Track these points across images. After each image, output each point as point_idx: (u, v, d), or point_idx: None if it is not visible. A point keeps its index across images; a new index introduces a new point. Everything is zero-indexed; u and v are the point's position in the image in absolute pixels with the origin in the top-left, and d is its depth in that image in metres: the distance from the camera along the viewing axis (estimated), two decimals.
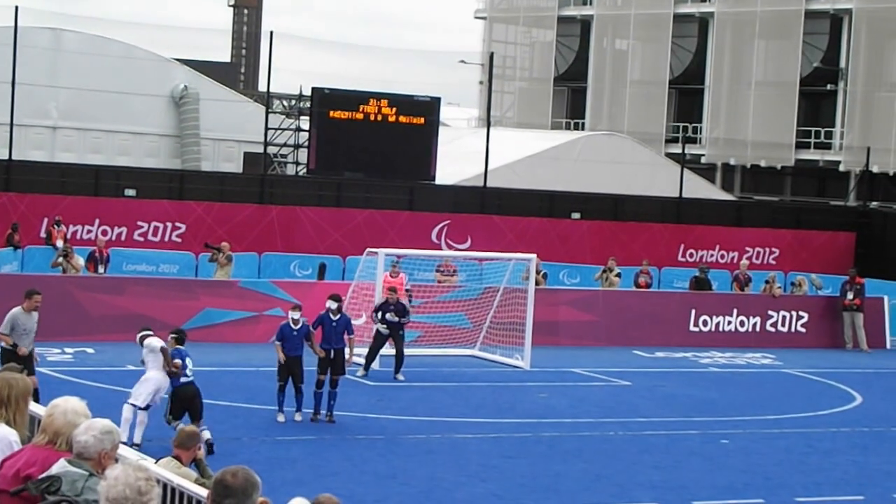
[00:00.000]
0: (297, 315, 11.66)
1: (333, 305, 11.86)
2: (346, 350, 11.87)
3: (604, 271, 18.99)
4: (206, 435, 10.13)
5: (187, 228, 19.12)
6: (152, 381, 10.23)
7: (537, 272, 16.81)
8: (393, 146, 21.03)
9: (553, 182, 23.61)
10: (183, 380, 10.23)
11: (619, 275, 19.05)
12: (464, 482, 9.57)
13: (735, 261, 22.36)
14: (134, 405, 10.15)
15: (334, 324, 11.79)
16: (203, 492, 4.50)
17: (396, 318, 13.96)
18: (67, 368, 13.19)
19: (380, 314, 14.03)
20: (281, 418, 11.47)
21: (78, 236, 18.21)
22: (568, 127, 36.20)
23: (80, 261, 16.12)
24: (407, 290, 15.49)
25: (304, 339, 11.54)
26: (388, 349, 14.31)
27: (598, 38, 36.15)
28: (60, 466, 3.76)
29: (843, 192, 30.62)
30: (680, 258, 22.59)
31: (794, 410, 13.68)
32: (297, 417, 11.51)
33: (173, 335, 10.53)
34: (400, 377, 14.09)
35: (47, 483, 3.69)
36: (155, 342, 10.35)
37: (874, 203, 27.28)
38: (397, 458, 10.21)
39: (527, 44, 38.04)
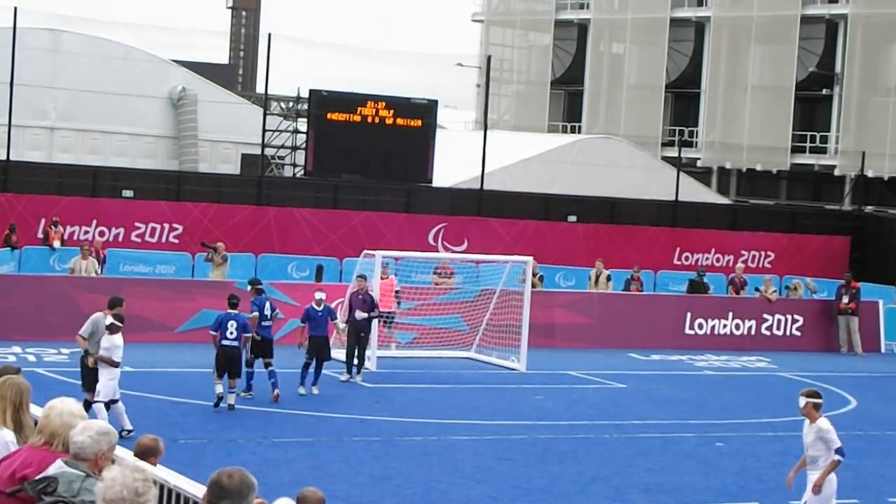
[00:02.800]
0: (321, 296, 12.79)
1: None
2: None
3: (596, 277, 19.08)
4: (231, 399, 11.55)
5: (184, 229, 19.16)
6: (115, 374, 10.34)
7: (533, 274, 16.85)
8: (390, 148, 21.09)
9: (549, 185, 23.69)
10: (225, 342, 11.65)
11: (609, 278, 19.15)
12: (459, 484, 9.61)
13: (731, 264, 22.46)
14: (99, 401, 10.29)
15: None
16: (200, 492, 4.51)
17: (366, 315, 13.78)
18: (64, 369, 13.17)
19: (349, 309, 13.90)
20: (302, 391, 12.63)
21: (75, 237, 18.26)
22: (564, 130, 36.30)
23: (94, 263, 16.04)
24: (397, 293, 15.42)
25: (328, 320, 12.77)
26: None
27: (594, 42, 36.27)
28: (57, 467, 3.76)
29: (839, 197, 30.73)
30: (676, 261, 22.68)
31: (789, 414, 13.64)
32: (315, 390, 12.70)
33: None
34: (359, 378, 13.79)
35: (44, 484, 3.69)
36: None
37: (869, 207, 27.39)
38: (393, 459, 10.24)
39: (524, 47, 38.15)
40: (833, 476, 8.11)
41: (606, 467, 10.38)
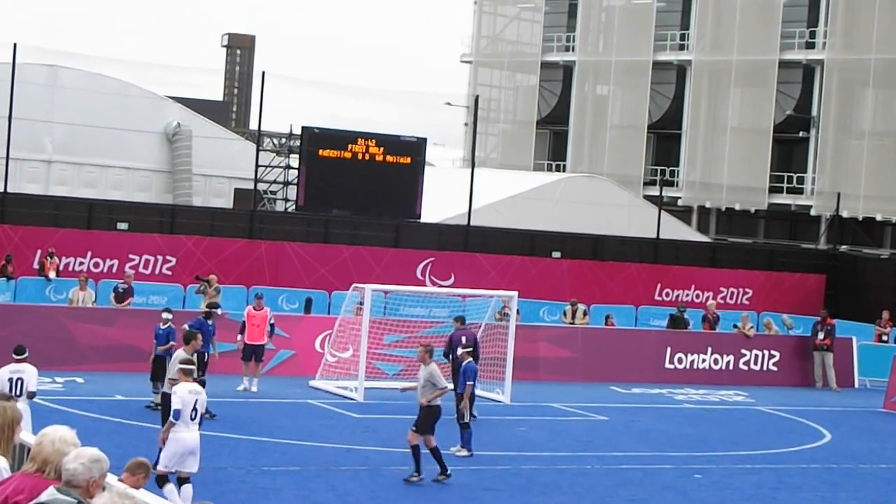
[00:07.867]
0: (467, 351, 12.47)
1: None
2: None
3: (573, 313, 19.49)
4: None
5: (178, 262, 19.47)
6: None
7: (507, 309, 17.12)
8: (380, 185, 21.55)
9: (535, 222, 24.19)
10: (158, 352, 13.24)
11: (585, 312, 19.59)
12: None
13: (710, 300, 22.97)
14: None
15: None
16: None
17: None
18: (57, 397, 13.35)
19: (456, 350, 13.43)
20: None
21: (70, 268, 18.53)
22: (550, 168, 36.94)
23: (91, 295, 16.36)
24: (271, 325, 15.31)
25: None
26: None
27: (579, 84, 37.08)
28: (49, 494, 3.79)
29: (814, 236, 31.42)
30: (656, 297, 23.18)
31: (766, 446, 14.02)
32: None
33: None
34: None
35: None
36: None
37: (844, 246, 28.07)
38: (380, 489, 10.40)
39: (511, 87, 38.93)
40: (182, 437, 8.97)
41: (588, 498, 10.59)
